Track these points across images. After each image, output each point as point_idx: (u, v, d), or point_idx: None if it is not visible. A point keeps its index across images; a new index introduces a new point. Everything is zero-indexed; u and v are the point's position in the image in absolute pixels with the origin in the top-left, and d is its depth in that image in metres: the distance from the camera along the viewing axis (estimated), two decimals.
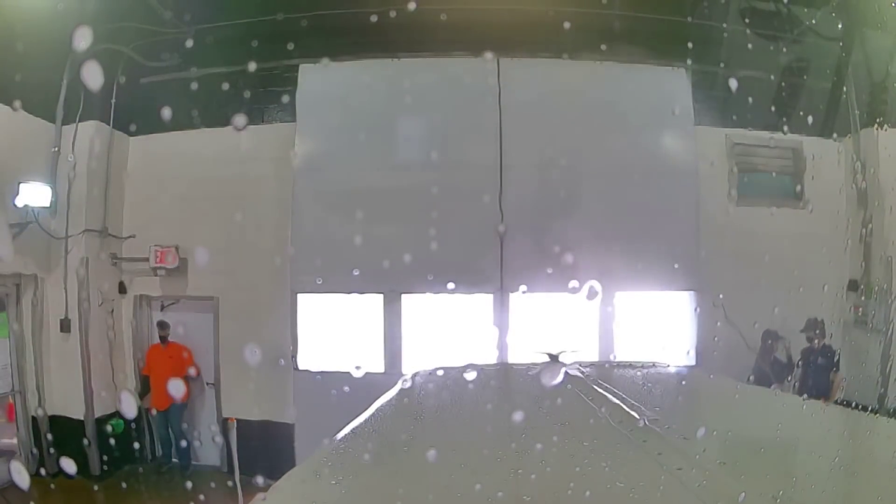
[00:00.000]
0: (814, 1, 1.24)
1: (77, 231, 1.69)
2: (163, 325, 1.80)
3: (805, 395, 1.17)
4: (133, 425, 1.75)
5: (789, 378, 1.52)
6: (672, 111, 1.49)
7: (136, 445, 1.76)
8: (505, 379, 0.68)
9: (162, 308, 1.86)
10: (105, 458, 1.64)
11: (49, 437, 1.64)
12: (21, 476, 0.54)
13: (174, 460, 1.79)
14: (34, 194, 1.60)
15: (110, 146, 1.72)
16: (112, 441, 1.65)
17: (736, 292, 1.37)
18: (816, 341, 1.49)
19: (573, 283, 1.08)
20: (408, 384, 0.58)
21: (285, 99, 1.65)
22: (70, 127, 1.67)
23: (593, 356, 1.34)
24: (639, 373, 0.67)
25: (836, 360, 1.50)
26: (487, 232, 1.42)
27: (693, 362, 1.45)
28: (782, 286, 1.11)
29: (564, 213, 1.35)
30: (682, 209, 1.42)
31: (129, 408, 1.70)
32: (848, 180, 1.44)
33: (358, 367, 0.97)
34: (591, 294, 1.21)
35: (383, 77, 1.57)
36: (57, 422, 1.69)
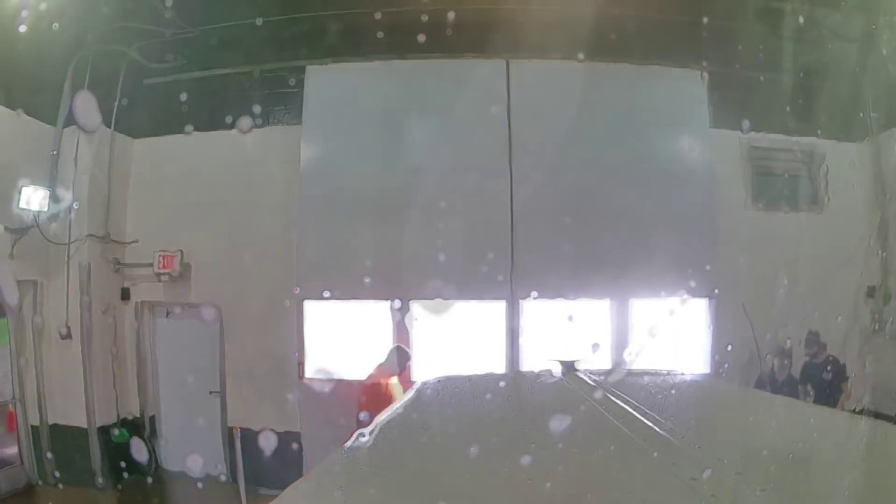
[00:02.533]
0: (831, 2, 1.21)
1: (79, 236, 1.64)
2: (404, 356, 1.34)
3: (822, 404, 1.15)
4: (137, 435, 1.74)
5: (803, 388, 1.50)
6: (687, 114, 1.42)
7: (141, 454, 1.76)
8: (516, 387, 0.67)
9: (167, 314, 1.78)
10: (108, 467, 1.64)
11: (50, 445, 1.62)
12: None
13: None
14: (35, 199, 1.55)
15: (113, 149, 1.67)
16: (115, 450, 1.57)
17: (753, 299, 1.31)
18: (817, 355, 1.42)
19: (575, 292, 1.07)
20: (416, 393, 0.57)
21: (291, 101, 1.59)
22: (71, 130, 1.62)
23: (607, 364, 1.31)
24: (653, 381, 0.65)
25: (843, 369, 1.43)
26: (498, 236, 1.36)
27: (709, 370, 1.45)
28: (800, 292, 1.09)
29: (577, 218, 1.29)
30: (699, 214, 1.35)
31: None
32: (866, 184, 1.37)
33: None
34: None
35: (391, 79, 1.51)
36: (58, 430, 1.64)
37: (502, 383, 0.69)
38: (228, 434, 1.81)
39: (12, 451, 1.81)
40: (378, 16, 1.08)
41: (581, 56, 1.22)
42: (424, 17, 0.93)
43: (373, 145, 1.50)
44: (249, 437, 1.61)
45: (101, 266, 1.77)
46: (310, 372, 1.62)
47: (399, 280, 1.24)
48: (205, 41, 1.61)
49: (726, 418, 0.56)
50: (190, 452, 1.77)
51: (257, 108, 1.60)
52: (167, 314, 1.87)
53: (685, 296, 1.40)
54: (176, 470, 1.93)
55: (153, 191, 1.79)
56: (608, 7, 1.16)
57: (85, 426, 1.69)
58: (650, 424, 0.45)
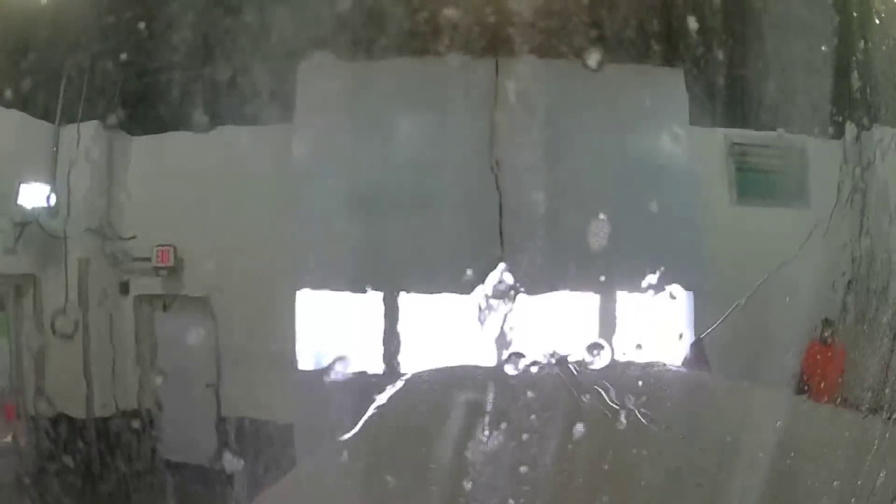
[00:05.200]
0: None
1: (78, 231, 1.67)
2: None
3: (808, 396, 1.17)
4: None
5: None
6: (668, 111, 1.42)
7: (137, 445, 1.75)
8: (504, 378, 0.69)
9: (164, 307, 1.83)
10: (106, 457, 1.63)
11: (49, 436, 1.62)
12: None
13: None
14: (34, 194, 1.55)
15: (111, 147, 1.72)
16: (114, 441, 1.65)
17: (735, 292, 1.37)
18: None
19: (574, 282, 1.08)
20: (407, 384, 0.59)
21: (284, 98, 1.59)
22: (70, 127, 1.66)
23: (595, 357, 1.30)
24: (638, 372, 0.67)
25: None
26: (488, 231, 1.38)
27: (693, 362, 1.44)
28: (782, 286, 1.09)
29: (565, 213, 1.30)
30: (682, 210, 1.38)
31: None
32: (849, 179, 1.36)
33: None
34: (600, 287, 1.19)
35: (384, 77, 1.51)
36: (57, 421, 1.68)
37: (491, 374, 0.71)
38: (223, 425, 1.83)
39: (10, 441, 1.83)
40: (372, 14, 1.07)
41: (566, 56, 1.22)
42: (418, 16, 0.92)
43: (364, 142, 1.48)
44: (244, 428, 1.62)
45: (99, 260, 1.81)
46: (303, 364, 1.62)
47: (391, 273, 1.24)
48: (202, 38, 1.54)
49: (710, 408, 0.59)
50: (186, 443, 1.77)
51: (252, 106, 1.61)
52: (164, 307, 1.93)
53: (672, 289, 1.41)
54: (172, 460, 1.92)
55: (151, 187, 1.78)
56: (590, 5, 1.16)
57: (83, 417, 1.77)
58: (637, 415, 0.47)
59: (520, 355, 0.69)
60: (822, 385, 0.58)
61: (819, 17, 0.65)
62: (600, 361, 0.64)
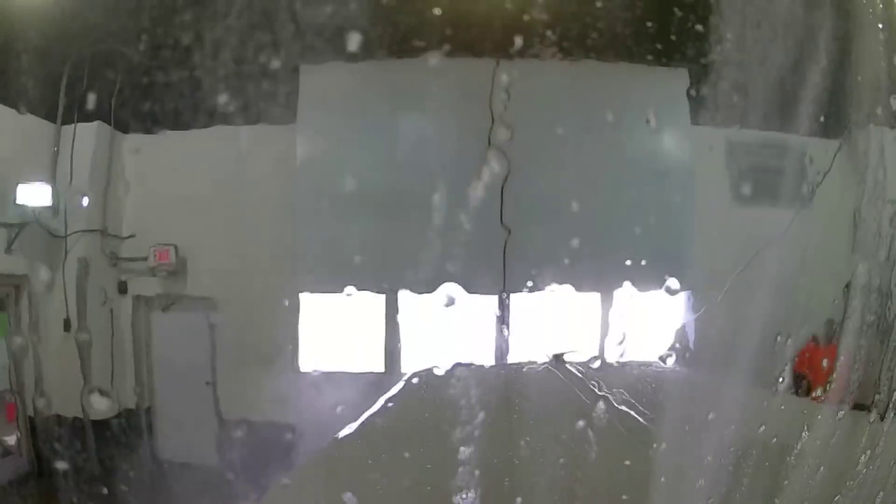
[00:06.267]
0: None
1: (77, 231, 1.69)
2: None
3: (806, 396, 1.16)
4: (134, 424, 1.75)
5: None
6: (668, 111, 1.43)
7: (136, 444, 1.76)
8: (505, 379, 0.68)
9: (163, 308, 1.83)
10: (105, 457, 1.63)
11: (49, 436, 1.63)
12: None
13: None
14: (34, 194, 1.57)
15: (110, 146, 1.74)
16: (113, 441, 1.65)
17: (734, 293, 1.37)
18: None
19: (576, 283, 1.08)
20: (408, 384, 0.58)
21: (286, 99, 1.60)
22: (70, 126, 1.69)
23: (592, 355, 1.29)
24: (637, 372, 0.67)
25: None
26: (489, 232, 1.37)
27: (692, 362, 1.43)
28: (782, 286, 1.09)
29: (565, 213, 1.29)
30: (680, 209, 1.39)
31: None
32: (851, 179, 1.36)
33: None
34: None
35: (385, 78, 1.52)
36: (57, 421, 1.70)
37: (491, 374, 0.70)
38: (222, 425, 1.84)
39: (12, 440, 1.83)
40: (374, 15, 1.08)
41: (567, 56, 1.23)
42: (419, 17, 0.93)
43: (366, 143, 1.50)
44: (243, 427, 1.62)
45: (99, 260, 1.82)
46: (304, 364, 1.62)
47: (391, 273, 1.24)
48: (202, 39, 1.55)
49: (708, 408, 0.58)
50: (185, 442, 1.77)
51: (253, 106, 1.62)
52: (163, 307, 1.94)
53: (670, 288, 1.41)
54: (171, 459, 1.93)
55: (150, 187, 1.80)
56: (591, 5, 1.16)
57: (83, 417, 1.79)
58: (634, 414, 0.47)
59: (519, 355, 0.67)
60: (819, 384, 0.57)
61: (821, 20, 0.64)
62: (598, 361, 0.63)
